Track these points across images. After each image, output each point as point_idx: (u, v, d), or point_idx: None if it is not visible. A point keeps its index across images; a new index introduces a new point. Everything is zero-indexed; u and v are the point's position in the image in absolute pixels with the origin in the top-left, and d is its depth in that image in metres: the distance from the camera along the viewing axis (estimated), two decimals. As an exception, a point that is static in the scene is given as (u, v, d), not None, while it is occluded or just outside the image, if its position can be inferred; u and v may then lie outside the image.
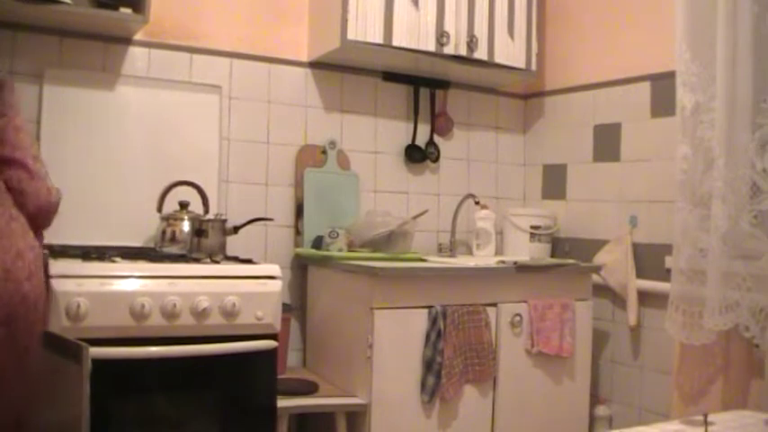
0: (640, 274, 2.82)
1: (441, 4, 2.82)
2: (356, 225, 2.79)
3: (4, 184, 1.78)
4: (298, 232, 2.85)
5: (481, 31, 2.92)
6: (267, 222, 2.74)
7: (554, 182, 3.32)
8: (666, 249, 2.59)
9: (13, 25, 2.40)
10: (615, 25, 3.03)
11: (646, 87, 2.88)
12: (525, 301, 2.63)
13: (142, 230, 2.53)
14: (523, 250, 3.08)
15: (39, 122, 2.43)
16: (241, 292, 2.09)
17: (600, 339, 2.99)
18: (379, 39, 2.70)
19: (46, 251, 1.98)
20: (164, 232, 2.41)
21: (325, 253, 2.65)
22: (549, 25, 3.35)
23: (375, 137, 3.08)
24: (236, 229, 2.46)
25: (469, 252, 3.19)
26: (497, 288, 2.60)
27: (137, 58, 2.61)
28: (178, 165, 2.62)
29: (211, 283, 2.07)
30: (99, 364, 1.90)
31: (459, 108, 3.28)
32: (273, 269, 2.20)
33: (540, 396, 2.66)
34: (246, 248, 2.64)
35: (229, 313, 2.05)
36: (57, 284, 1.86)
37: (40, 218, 1.84)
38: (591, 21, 3.16)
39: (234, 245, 2.54)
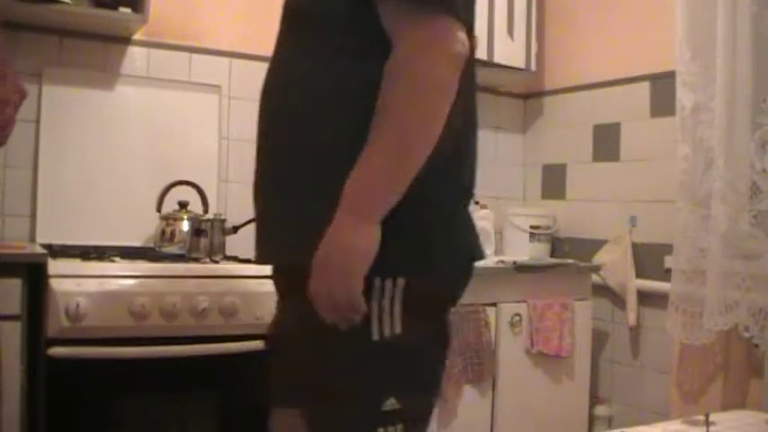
0: (640, 273, 2.82)
1: (440, 3, 2.82)
2: (356, 225, 2.78)
3: None
4: (297, 232, 2.84)
5: (480, 30, 2.92)
6: (267, 222, 2.74)
7: (553, 182, 3.31)
8: (666, 249, 2.59)
9: (12, 24, 2.40)
10: (615, 25, 3.03)
11: (645, 87, 2.88)
12: (525, 301, 2.63)
13: (141, 230, 2.53)
14: (523, 250, 3.08)
15: (38, 122, 2.43)
16: (240, 291, 2.08)
17: (599, 339, 2.99)
18: (378, 38, 2.70)
19: None
20: (163, 232, 2.41)
21: (324, 253, 2.65)
22: (548, 25, 3.35)
23: (374, 137, 3.07)
24: (235, 229, 2.46)
25: (469, 252, 3.18)
26: (497, 288, 2.59)
27: (136, 57, 2.61)
28: (177, 164, 2.62)
29: (211, 283, 2.06)
30: (98, 363, 1.90)
31: (458, 108, 3.27)
32: (273, 269, 2.20)
33: (540, 396, 2.66)
34: (246, 248, 2.63)
35: (229, 313, 2.05)
36: (56, 284, 1.85)
37: None
38: (591, 21, 3.16)
39: (233, 245, 2.53)
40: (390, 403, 1.11)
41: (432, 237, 1.14)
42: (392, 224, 1.07)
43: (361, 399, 1.11)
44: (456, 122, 1.17)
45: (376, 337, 1.10)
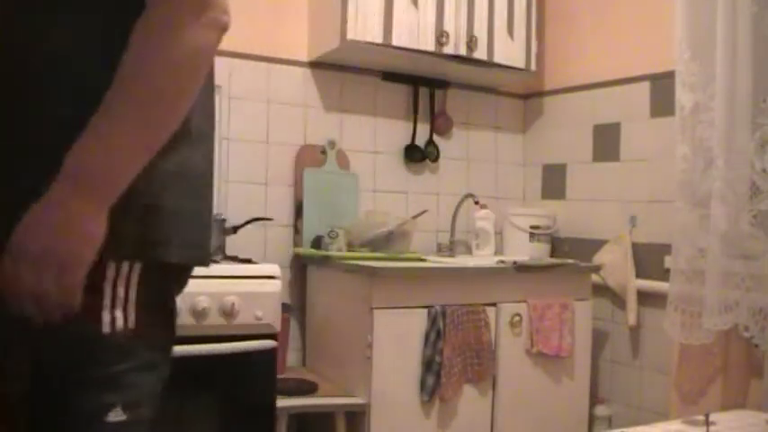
0: (640, 273, 2.82)
1: (440, 3, 2.82)
2: (355, 225, 2.79)
3: None
4: (297, 232, 2.85)
5: (481, 30, 2.92)
6: (266, 222, 2.74)
7: (553, 182, 3.32)
8: (666, 249, 2.59)
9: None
10: (615, 25, 3.03)
11: (645, 87, 2.88)
12: (525, 301, 2.63)
13: (141, 230, 2.53)
14: (523, 250, 3.08)
15: (38, 122, 2.42)
16: (240, 291, 2.09)
17: (599, 339, 2.99)
18: (378, 38, 2.70)
19: None
20: (163, 232, 2.40)
21: (324, 253, 2.65)
22: (548, 25, 3.36)
23: (374, 137, 3.08)
24: (235, 229, 2.46)
25: (469, 252, 3.19)
26: (497, 288, 2.60)
27: (136, 57, 2.60)
28: (177, 164, 2.62)
29: (211, 283, 2.06)
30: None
31: (458, 108, 3.28)
32: (273, 269, 2.20)
33: (540, 396, 2.66)
34: (246, 248, 2.64)
35: (229, 313, 2.05)
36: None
37: None
38: (591, 21, 3.16)
39: (233, 244, 2.54)
40: (116, 414, 0.94)
41: (171, 223, 1.00)
42: (133, 203, 0.95)
43: (83, 405, 0.94)
44: (198, 105, 1.03)
45: (107, 329, 0.94)
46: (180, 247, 1.01)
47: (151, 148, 0.93)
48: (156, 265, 0.99)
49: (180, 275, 1.09)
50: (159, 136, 0.94)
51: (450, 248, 3.13)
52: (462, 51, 2.87)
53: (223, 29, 0.96)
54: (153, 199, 0.98)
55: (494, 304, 2.57)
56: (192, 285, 2.00)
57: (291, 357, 2.78)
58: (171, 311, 1.07)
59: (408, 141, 3.14)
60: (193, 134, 1.04)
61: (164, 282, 1.04)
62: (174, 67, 0.91)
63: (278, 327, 2.16)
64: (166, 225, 1.00)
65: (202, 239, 1.09)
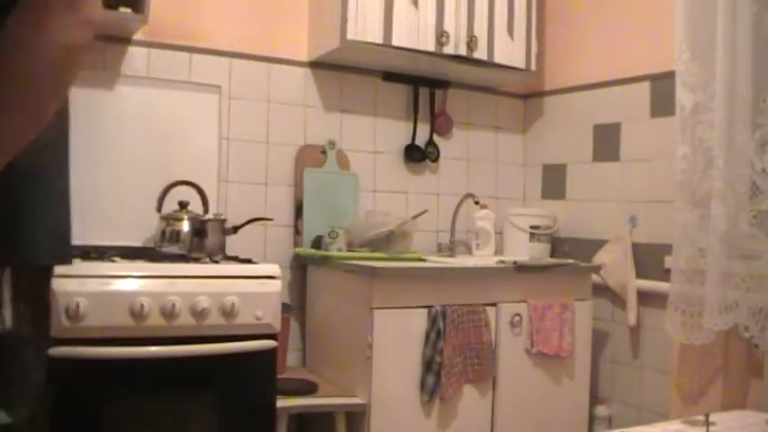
0: (640, 273, 2.82)
1: (440, 3, 2.82)
2: (356, 225, 2.79)
3: None
4: (297, 232, 2.85)
5: (481, 30, 2.92)
6: (266, 222, 2.74)
7: (553, 182, 3.32)
8: (666, 249, 2.59)
9: (12, 25, 2.39)
10: (615, 25, 3.03)
11: (645, 87, 2.88)
12: (525, 301, 2.63)
13: (142, 230, 2.53)
14: (523, 250, 3.08)
15: (38, 122, 2.42)
16: (240, 291, 2.09)
17: (599, 339, 2.99)
18: (378, 39, 2.70)
19: None
20: (163, 232, 2.41)
21: (324, 253, 2.65)
22: (548, 25, 3.35)
23: (374, 137, 3.08)
24: (235, 229, 2.46)
25: (469, 252, 3.19)
26: (497, 288, 2.60)
27: (136, 57, 2.61)
28: (177, 164, 2.62)
29: (211, 283, 2.06)
30: (98, 363, 1.91)
31: (458, 108, 3.28)
32: (273, 269, 2.20)
33: (540, 396, 2.66)
34: (246, 248, 2.64)
35: (229, 313, 2.05)
36: (56, 284, 1.85)
37: None
38: (591, 21, 3.16)
39: (233, 245, 2.53)
40: (0, 417, 0.94)
41: (29, 226, 0.99)
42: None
43: None
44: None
45: None
46: (41, 248, 1.01)
47: (10, 147, 0.88)
48: (23, 267, 1.00)
49: (47, 273, 1.11)
50: (24, 134, 0.89)
51: (450, 248, 3.13)
52: (462, 51, 2.87)
53: (94, 26, 0.92)
54: (11, 203, 0.97)
55: (494, 304, 2.57)
56: (192, 285, 2.03)
57: (291, 357, 2.78)
58: (44, 308, 1.08)
59: (408, 141, 3.14)
60: (41, 136, 0.99)
61: (34, 280, 1.04)
62: (42, 65, 0.86)
63: (278, 327, 2.16)
64: (25, 228, 0.99)
65: (60, 237, 1.08)
